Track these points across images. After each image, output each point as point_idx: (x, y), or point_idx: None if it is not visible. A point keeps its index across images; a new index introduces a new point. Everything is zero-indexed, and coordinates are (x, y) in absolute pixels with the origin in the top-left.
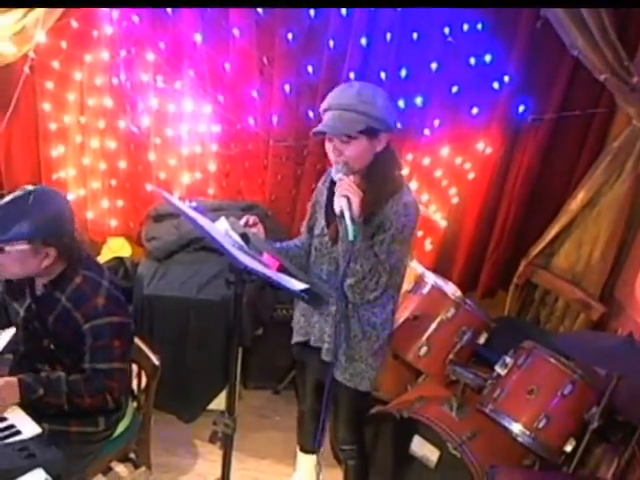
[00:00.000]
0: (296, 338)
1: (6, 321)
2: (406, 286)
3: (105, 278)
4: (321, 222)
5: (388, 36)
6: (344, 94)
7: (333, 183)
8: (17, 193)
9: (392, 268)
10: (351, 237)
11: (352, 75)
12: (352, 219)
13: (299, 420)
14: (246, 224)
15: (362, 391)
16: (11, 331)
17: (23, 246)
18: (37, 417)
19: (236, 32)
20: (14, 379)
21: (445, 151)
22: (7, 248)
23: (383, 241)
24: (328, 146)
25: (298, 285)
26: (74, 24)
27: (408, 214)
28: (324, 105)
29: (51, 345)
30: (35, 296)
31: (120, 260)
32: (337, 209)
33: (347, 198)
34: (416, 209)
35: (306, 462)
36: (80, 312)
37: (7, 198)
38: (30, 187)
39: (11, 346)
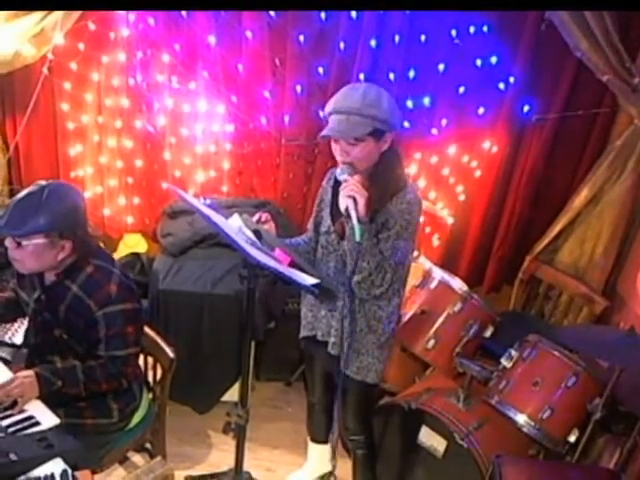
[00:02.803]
0: (303, 333)
1: (20, 313)
2: (414, 281)
3: (115, 267)
4: (327, 220)
5: (397, 38)
6: (349, 97)
7: (337, 182)
8: (31, 188)
9: (397, 264)
10: (358, 238)
11: (362, 76)
12: (359, 219)
13: (309, 411)
14: (258, 221)
15: (370, 383)
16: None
17: (40, 240)
18: (52, 409)
19: (249, 34)
20: (31, 373)
21: (452, 150)
22: (24, 242)
23: (388, 238)
24: (334, 147)
25: (309, 280)
26: (91, 26)
27: (412, 211)
28: (328, 108)
29: (63, 335)
30: (44, 287)
31: (136, 256)
32: (342, 208)
33: (353, 199)
34: (419, 206)
35: (317, 452)
36: (93, 300)
37: (21, 194)
38: (44, 182)
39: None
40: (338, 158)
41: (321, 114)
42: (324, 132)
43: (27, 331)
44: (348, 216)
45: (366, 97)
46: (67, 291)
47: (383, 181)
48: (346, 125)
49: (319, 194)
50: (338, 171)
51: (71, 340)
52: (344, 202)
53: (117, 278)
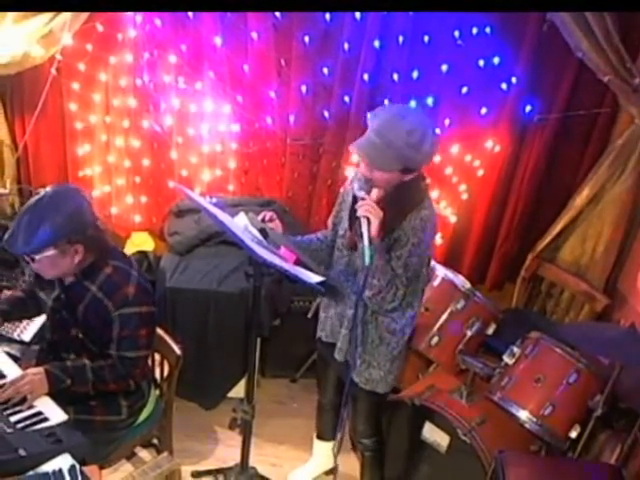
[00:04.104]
0: (318, 333)
1: (36, 311)
2: None
3: (134, 268)
4: (344, 223)
5: (400, 39)
6: (394, 128)
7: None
8: (29, 202)
9: (409, 280)
10: (367, 261)
11: (366, 77)
12: (370, 241)
13: (318, 410)
14: (264, 220)
15: (380, 393)
16: (39, 321)
17: (50, 252)
18: (62, 405)
19: (254, 35)
20: (41, 370)
21: (455, 149)
22: (37, 257)
23: (400, 257)
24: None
25: (314, 278)
26: (99, 27)
27: (425, 228)
28: (373, 123)
29: (79, 334)
30: (64, 286)
31: (143, 254)
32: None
33: (367, 219)
34: (433, 223)
35: (322, 448)
36: (112, 300)
37: (22, 210)
38: (41, 192)
39: (39, 336)
40: (361, 170)
41: (326, 114)
42: (356, 148)
43: (42, 328)
44: (361, 236)
45: (411, 136)
46: (86, 291)
47: (400, 200)
48: (379, 155)
49: (340, 194)
50: (356, 186)
51: (86, 339)
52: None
53: (135, 280)
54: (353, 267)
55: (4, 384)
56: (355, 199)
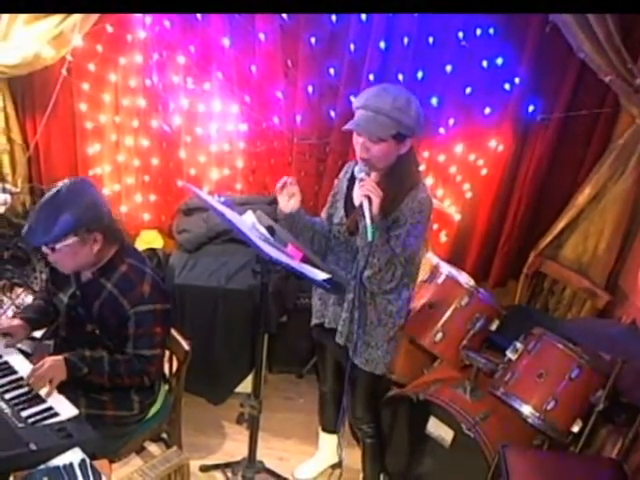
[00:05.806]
0: (314, 321)
1: (55, 316)
2: (422, 276)
3: (148, 266)
4: (340, 212)
5: (405, 40)
6: (380, 97)
7: (353, 177)
8: (46, 197)
9: (407, 260)
10: (370, 238)
11: (371, 77)
12: (372, 219)
13: (320, 401)
14: (284, 185)
15: (378, 374)
16: None
17: (71, 240)
18: (73, 400)
19: (262, 36)
20: (61, 358)
21: (459, 148)
22: (57, 246)
23: (399, 236)
24: (356, 140)
25: (320, 275)
26: (109, 29)
27: (422, 210)
28: (359, 102)
29: (95, 330)
30: (80, 283)
31: (153, 251)
32: (357, 203)
33: (368, 198)
34: (430, 205)
35: (328, 441)
36: (127, 299)
37: (40, 202)
38: (58, 184)
39: (51, 332)
40: (358, 152)
41: (332, 114)
42: (349, 125)
43: (57, 326)
44: (363, 215)
45: (396, 101)
46: (102, 289)
47: (398, 181)
48: (372, 123)
49: (335, 185)
50: (356, 169)
51: (103, 335)
52: (359, 198)
53: (150, 278)
54: (351, 253)
55: (21, 377)
56: (349, 187)
